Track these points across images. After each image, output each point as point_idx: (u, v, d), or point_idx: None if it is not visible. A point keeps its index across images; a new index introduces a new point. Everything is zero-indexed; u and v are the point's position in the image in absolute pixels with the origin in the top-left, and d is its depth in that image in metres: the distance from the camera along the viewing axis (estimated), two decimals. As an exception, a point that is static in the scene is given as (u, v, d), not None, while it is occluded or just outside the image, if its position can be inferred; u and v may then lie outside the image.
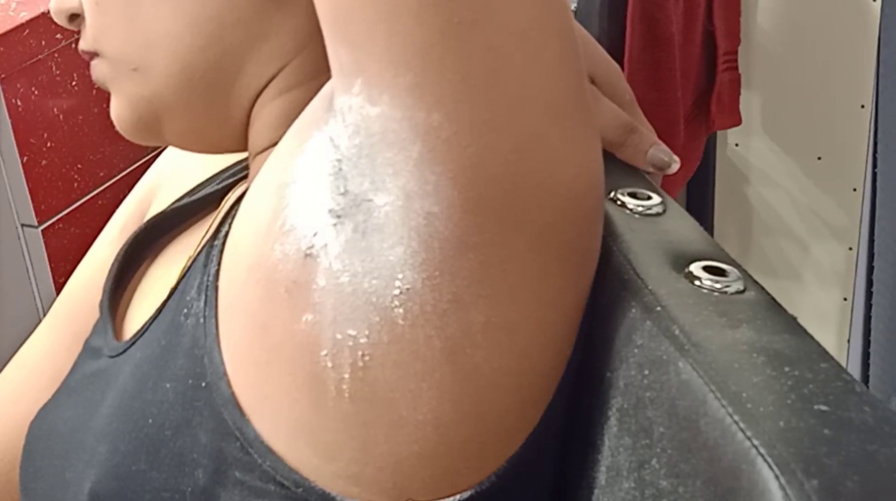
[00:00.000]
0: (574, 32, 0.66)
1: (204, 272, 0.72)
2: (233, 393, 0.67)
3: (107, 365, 0.79)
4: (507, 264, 0.63)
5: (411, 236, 0.61)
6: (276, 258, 0.65)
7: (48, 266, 2.05)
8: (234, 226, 0.71)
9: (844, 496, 0.50)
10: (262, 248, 0.66)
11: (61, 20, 0.80)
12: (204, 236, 0.77)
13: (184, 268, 0.76)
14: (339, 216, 0.63)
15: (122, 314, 0.86)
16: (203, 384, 0.68)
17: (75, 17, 0.80)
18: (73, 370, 0.84)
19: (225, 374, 0.67)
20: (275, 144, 0.73)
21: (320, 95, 0.68)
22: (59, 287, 2.07)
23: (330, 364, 0.63)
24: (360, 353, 0.62)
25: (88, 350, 0.84)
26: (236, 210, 0.72)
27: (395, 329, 0.62)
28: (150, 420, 0.69)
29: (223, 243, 0.72)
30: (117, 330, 0.83)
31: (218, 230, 0.74)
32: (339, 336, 0.62)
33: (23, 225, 2.03)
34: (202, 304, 0.70)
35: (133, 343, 0.76)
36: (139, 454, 0.69)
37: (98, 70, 0.81)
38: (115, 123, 0.82)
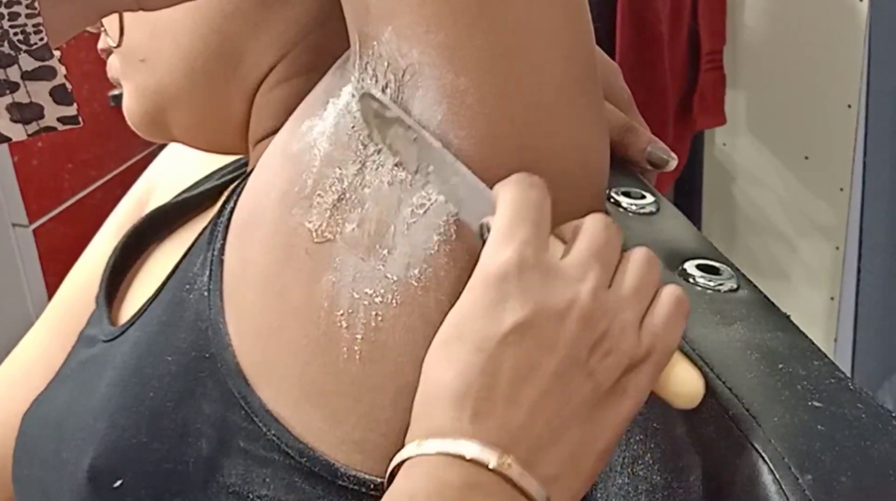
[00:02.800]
0: (589, 18, 0.67)
1: (208, 249, 0.72)
2: (238, 364, 0.67)
3: (102, 350, 0.79)
4: None
5: None
6: (296, 222, 0.65)
7: (39, 265, 2.05)
8: (241, 201, 0.71)
9: (838, 490, 0.50)
10: (280, 214, 0.66)
11: None
12: (206, 225, 0.78)
13: (186, 248, 0.76)
14: (361, 174, 0.64)
15: (119, 304, 0.86)
16: (207, 355, 0.68)
17: None
18: (67, 360, 0.84)
19: (230, 345, 0.67)
20: (275, 131, 0.74)
21: (334, 67, 0.69)
22: (49, 286, 2.07)
23: (345, 324, 0.64)
24: (374, 313, 0.63)
25: (83, 340, 0.84)
26: (241, 188, 0.73)
27: (408, 290, 0.63)
28: (151, 393, 0.69)
29: (228, 220, 0.72)
30: (113, 318, 0.83)
31: (223, 208, 0.74)
32: (356, 295, 0.63)
33: (14, 225, 2.03)
34: (206, 278, 0.70)
35: (131, 324, 0.76)
36: (140, 426, 0.69)
37: (112, 66, 0.82)
38: (127, 117, 0.82)
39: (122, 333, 0.76)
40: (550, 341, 0.56)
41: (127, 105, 0.81)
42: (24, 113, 0.61)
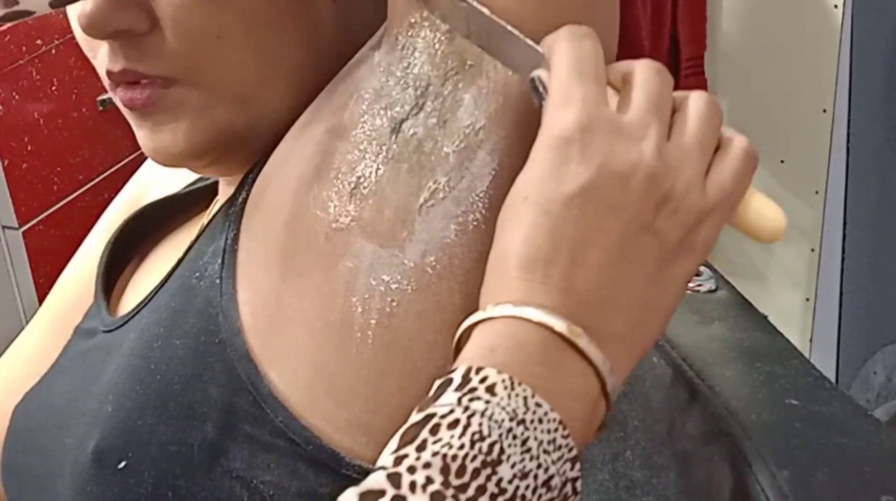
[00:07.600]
0: None
1: (220, 237, 0.72)
2: (248, 349, 0.67)
3: (104, 340, 0.79)
4: None
5: None
6: (316, 207, 0.66)
7: (29, 267, 2.07)
8: (257, 187, 0.72)
9: (815, 486, 0.51)
10: (302, 198, 0.67)
11: (98, 34, 0.71)
12: (215, 212, 0.77)
13: (192, 240, 0.77)
14: (379, 158, 0.65)
15: (118, 296, 0.86)
16: (217, 340, 0.68)
17: (122, 33, 0.71)
18: (64, 352, 0.85)
19: (240, 330, 0.68)
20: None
21: (360, 54, 0.70)
22: (39, 288, 2.07)
23: (360, 309, 0.65)
24: (389, 299, 0.64)
25: (80, 333, 0.84)
26: (254, 177, 0.73)
27: (423, 278, 0.64)
28: (158, 376, 0.69)
29: (241, 209, 0.72)
30: (112, 311, 0.84)
31: (234, 197, 0.74)
32: (373, 281, 0.64)
33: (3, 227, 2.04)
34: (217, 266, 0.71)
35: (137, 312, 0.76)
36: (146, 409, 0.69)
37: (164, 96, 0.73)
38: (160, 150, 0.75)
39: (126, 322, 0.77)
40: (615, 203, 0.56)
41: (173, 141, 0.74)
42: None
